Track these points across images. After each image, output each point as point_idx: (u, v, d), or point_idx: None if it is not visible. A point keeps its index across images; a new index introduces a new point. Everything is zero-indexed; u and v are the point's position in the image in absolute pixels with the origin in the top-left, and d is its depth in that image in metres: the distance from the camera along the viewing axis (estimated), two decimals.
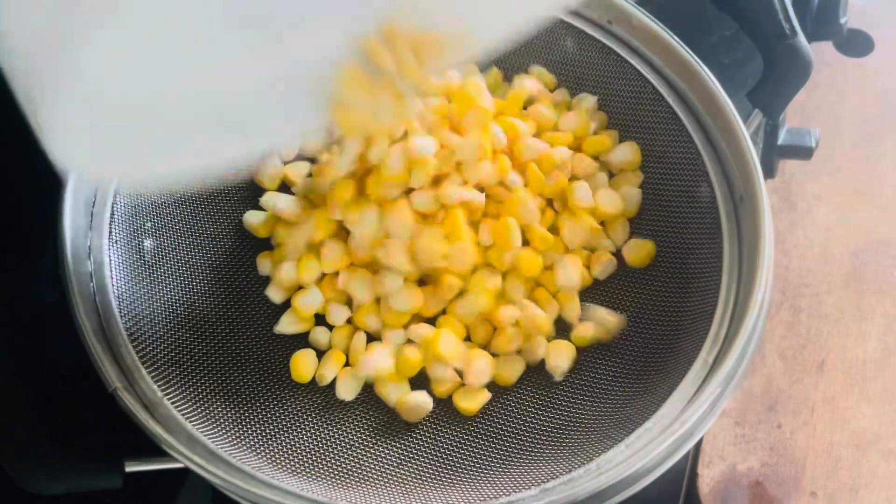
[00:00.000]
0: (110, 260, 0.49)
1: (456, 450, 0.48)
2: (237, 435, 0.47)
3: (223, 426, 0.47)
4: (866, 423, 0.59)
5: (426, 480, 0.47)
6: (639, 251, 0.53)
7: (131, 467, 0.45)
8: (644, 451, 0.43)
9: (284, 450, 0.47)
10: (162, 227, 0.52)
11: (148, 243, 0.52)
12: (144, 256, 0.51)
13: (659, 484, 0.44)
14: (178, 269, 0.52)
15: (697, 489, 0.56)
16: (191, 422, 0.45)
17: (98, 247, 0.49)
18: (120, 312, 0.48)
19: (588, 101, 0.57)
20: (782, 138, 0.62)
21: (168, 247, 0.52)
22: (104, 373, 0.45)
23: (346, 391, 0.50)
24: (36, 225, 0.55)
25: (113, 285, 0.49)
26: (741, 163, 0.50)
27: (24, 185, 0.63)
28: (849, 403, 0.60)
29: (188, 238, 0.53)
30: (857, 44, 0.76)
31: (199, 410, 0.47)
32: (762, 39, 0.55)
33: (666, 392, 0.46)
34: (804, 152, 0.62)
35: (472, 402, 0.49)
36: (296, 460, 0.47)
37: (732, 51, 0.67)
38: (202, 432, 0.45)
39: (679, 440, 0.43)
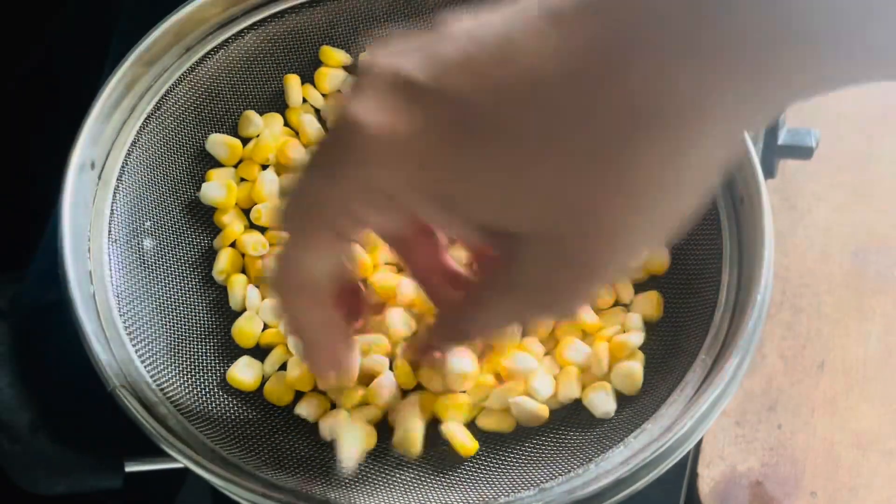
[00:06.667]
0: (110, 260, 0.49)
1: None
2: (237, 435, 0.47)
3: (223, 426, 0.47)
4: (866, 423, 0.59)
5: (426, 481, 0.47)
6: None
7: (131, 467, 0.45)
8: (644, 451, 0.43)
9: (284, 450, 0.47)
10: (162, 227, 0.52)
11: (148, 243, 0.52)
12: (144, 256, 0.51)
13: (659, 484, 0.44)
14: (179, 269, 0.52)
15: (697, 489, 0.56)
16: (191, 422, 0.45)
17: (98, 247, 0.49)
18: (120, 312, 0.48)
19: None
20: (782, 138, 0.62)
21: (168, 247, 0.52)
22: (104, 373, 0.45)
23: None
24: (35, 225, 0.55)
25: (113, 285, 0.49)
26: (741, 163, 0.50)
27: (24, 185, 0.63)
28: (849, 403, 0.60)
29: (188, 238, 0.53)
30: None
31: (199, 410, 0.47)
32: None
33: (666, 392, 0.46)
34: (804, 152, 0.62)
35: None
36: (296, 460, 0.47)
37: None
38: (202, 432, 0.45)
39: (679, 440, 0.43)
